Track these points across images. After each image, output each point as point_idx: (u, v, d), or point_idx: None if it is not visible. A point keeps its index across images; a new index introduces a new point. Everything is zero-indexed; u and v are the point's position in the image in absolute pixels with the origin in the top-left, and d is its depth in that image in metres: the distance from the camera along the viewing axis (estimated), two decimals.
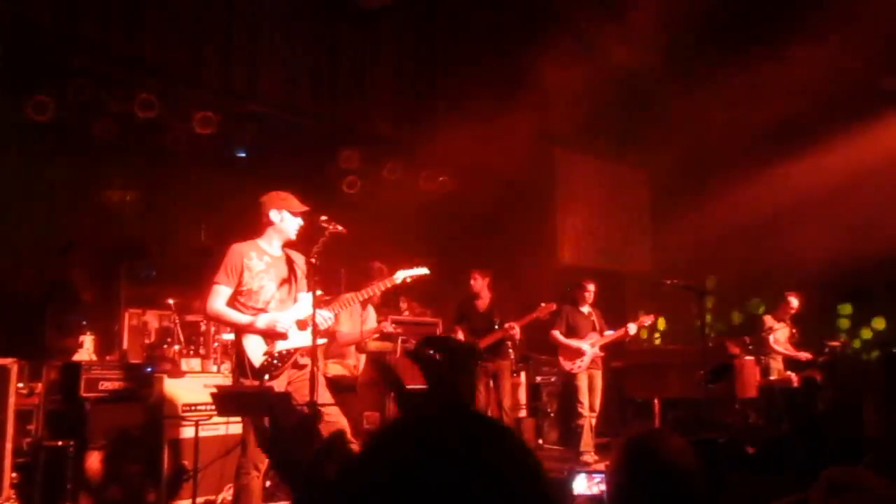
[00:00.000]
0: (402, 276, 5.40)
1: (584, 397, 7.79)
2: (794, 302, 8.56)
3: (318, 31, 8.60)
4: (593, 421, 7.83)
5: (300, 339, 4.56)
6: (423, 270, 5.49)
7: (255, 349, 4.48)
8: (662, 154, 11.22)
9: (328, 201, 8.79)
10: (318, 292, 4.46)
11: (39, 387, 5.59)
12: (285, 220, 4.65)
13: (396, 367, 6.19)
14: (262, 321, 4.47)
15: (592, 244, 11.57)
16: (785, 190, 9.92)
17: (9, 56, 6.32)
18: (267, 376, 4.45)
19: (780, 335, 8.52)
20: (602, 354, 7.98)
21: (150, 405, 5.75)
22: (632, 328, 7.86)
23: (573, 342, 7.87)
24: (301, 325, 4.58)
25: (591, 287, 8.04)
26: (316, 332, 4.29)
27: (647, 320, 7.96)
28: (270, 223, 4.64)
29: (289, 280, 4.68)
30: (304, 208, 4.67)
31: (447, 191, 10.17)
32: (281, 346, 4.51)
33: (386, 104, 9.31)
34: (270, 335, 4.49)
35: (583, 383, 7.81)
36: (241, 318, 4.49)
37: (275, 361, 4.49)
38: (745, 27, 9.29)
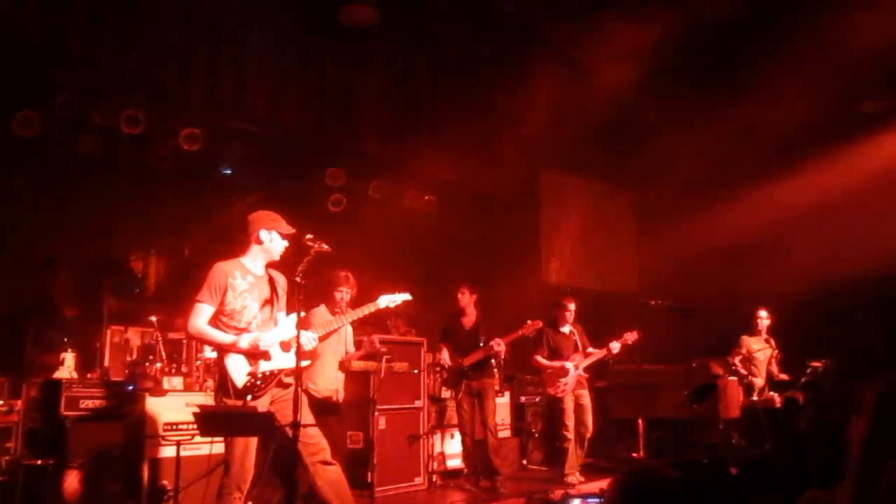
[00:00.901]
0: (384, 301, 5.39)
1: (570, 419, 7.73)
2: (763, 314, 8.53)
3: (305, 48, 8.62)
4: (586, 440, 7.78)
5: (284, 361, 4.53)
6: (406, 296, 5.48)
7: (239, 369, 4.45)
8: (648, 175, 11.32)
9: (314, 219, 8.81)
10: (302, 313, 4.42)
11: (19, 404, 5.53)
12: (274, 241, 4.64)
13: (381, 387, 6.16)
14: (244, 341, 4.45)
15: (578, 264, 11.63)
16: (769, 210, 10.01)
17: None
18: (250, 397, 4.42)
19: (761, 356, 8.51)
20: (587, 375, 7.95)
21: (130, 424, 5.70)
22: (615, 346, 7.84)
23: (555, 363, 7.84)
24: (285, 346, 4.55)
25: (572, 306, 7.99)
26: (300, 353, 4.26)
27: (631, 338, 7.93)
28: (258, 242, 4.63)
29: (270, 300, 4.66)
30: (293, 231, 4.66)
31: (433, 210, 10.19)
32: (265, 366, 4.48)
33: (372, 122, 9.34)
34: (253, 355, 4.47)
35: (569, 405, 7.76)
36: (224, 337, 4.47)
37: (258, 382, 4.46)
38: (729, 53, 9.40)
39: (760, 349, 8.48)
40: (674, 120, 10.40)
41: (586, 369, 7.90)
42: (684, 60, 9.41)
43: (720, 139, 10.34)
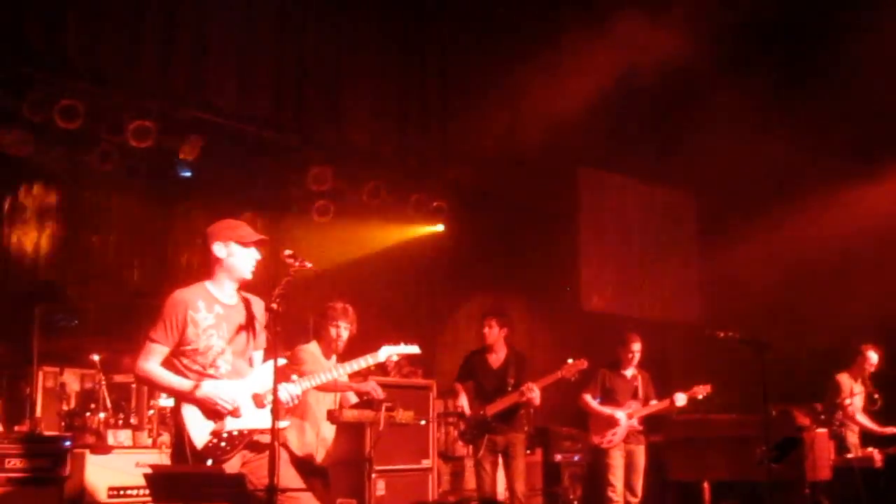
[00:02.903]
0: (385, 353, 5.52)
1: (616, 479, 7.83)
2: (874, 357, 8.63)
3: (281, 20, 8.80)
4: None
5: (256, 419, 4.52)
6: (414, 349, 5.63)
7: (199, 425, 4.42)
8: (713, 172, 11.37)
9: (294, 231, 8.97)
10: (282, 360, 4.43)
11: None
12: (234, 255, 4.57)
13: (379, 442, 6.26)
14: (206, 390, 4.45)
15: (625, 286, 11.71)
16: (866, 219, 10.04)
17: None
18: (210, 461, 4.43)
19: (857, 401, 8.58)
20: (640, 428, 8.04)
21: (67, 489, 5.83)
22: (680, 399, 7.92)
23: (605, 409, 7.96)
24: (258, 401, 4.57)
25: (636, 345, 8.09)
26: (277, 410, 4.28)
27: (702, 391, 8.03)
28: (216, 261, 4.65)
29: (246, 331, 4.66)
30: (258, 237, 4.61)
31: (443, 219, 10.31)
32: (232, 424, 4.47)
33: (365, 110, 9.49)
34: (209, 411, 4.49)
35: (616, 461, 7.87)
36: (179, 382, 4.47)
37: (222, 444, 4.46)
38: (813, 31, 9.51)
39: (858, 393, 8.56)
40: (747, 99, 10.45)
41: (641, 420, 7.99)
42: (761, 36, 9.51)
43: (807, 130, 10.39)
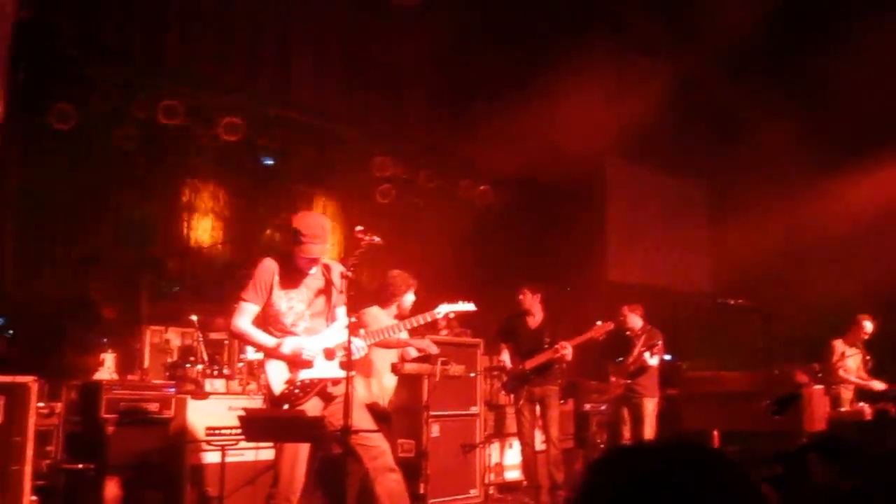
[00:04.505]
0: (444, 310, 5.47)
1: (625, 429, 8.06)
2: (868, 326, 8.52)
3: (349, 31, 8.81)
4: None
5: (326, 370, 4.59)
6: (469, 306, 5.57)
7: (277, 376, 4.53)
8: (723, 164, 11.24)
9: (361, 211, 9.00)
10: (352, 319, 4.48)
11: (59, 407, 5.78)
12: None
13: (434, 392, 6.29)
14: (287, 346, 4.51)
15: (644, 260, 11.61)
16: (860, 203, 9.86)
17: (31, 64, 6.58)
18: (287, 406, 4.50)
19: (851, 362, 8.46)
20: (626, 382, 8.02)
21: (171, 428, 5.94)
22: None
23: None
24: (328, 354, 4.60)
25: (625, 309, 8.19)
26: (350, 362, 4.33)
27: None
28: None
29: (326, 293, 4.71)
30: (310, 255, 4.57)
31: (488, 201, 10.28)
32: (304, 374, 4.55)
33: (421, 107, 9.49)
34: (293, 362, 4.55)
35: (625, 413, 8.04)
36: (266, 340, 4.56)
37: (296, 391, 4.52)
38: (815, 31, 9.30)
39: (851, 355, 8.45)
40: (754, 103, 10.31)
41: (628, 375, 8.01)
42: (766, 39, 9.34)
43: (807, 121, 10.21)
